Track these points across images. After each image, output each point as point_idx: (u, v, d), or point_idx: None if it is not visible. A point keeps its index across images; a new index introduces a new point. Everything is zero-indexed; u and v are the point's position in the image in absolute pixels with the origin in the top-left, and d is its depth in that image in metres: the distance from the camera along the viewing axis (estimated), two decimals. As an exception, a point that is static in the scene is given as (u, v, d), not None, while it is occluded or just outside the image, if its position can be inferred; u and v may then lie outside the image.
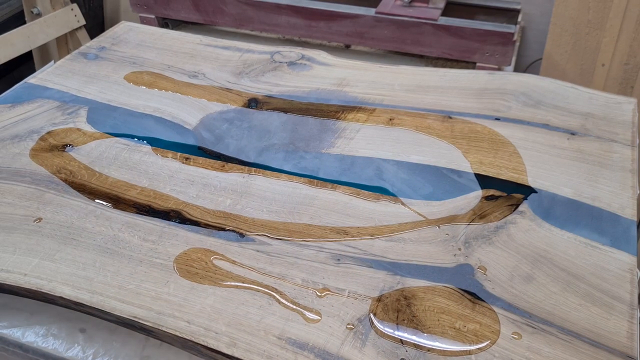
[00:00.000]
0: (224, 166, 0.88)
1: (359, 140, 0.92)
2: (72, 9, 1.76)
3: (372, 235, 0.74)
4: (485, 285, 0.67)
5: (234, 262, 0.71)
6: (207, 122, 0.98)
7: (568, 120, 0.93)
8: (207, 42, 1.22)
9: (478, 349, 0.60)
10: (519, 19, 1.46)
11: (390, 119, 0.96)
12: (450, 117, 0.95)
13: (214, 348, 0.61)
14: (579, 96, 0.99)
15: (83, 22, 1.80)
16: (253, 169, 0.87)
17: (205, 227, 0.76)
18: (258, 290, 0.67)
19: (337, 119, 0.97)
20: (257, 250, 0.73)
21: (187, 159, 0.89)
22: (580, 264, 0.69)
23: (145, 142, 0.93)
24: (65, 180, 0.85)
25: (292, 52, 1.17)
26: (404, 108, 0.98)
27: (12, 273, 0.70)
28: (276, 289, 0.67)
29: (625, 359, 0.59)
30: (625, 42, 1.39)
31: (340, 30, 1.45)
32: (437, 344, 0.61)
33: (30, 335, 0.73)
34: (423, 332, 0.62)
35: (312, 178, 0.85)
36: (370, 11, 1.41)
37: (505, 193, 0.80)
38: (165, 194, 0.82)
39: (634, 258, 0.70)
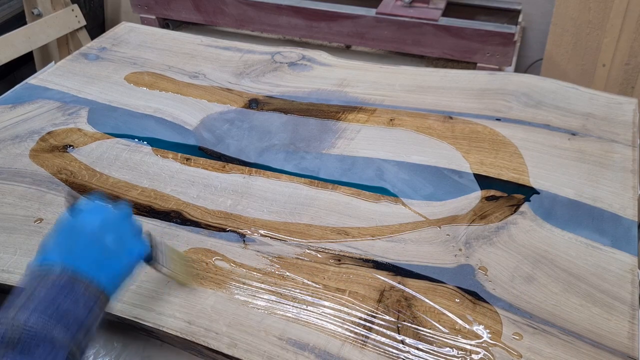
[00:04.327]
0: (224, 167, 0.88)
1: (360, 141, 0.92)
2: (72, 10, 1.76)
3: (372, 236, 0.74)
4: (486, 286, 0.67)
5: (234, 263, 0.71)
6: (207, 122, 0.98)
7: (569, 121, 0.93)
8: (207, 43, 1.22)
9: (479, 349, 0.60)
10: (520, 19, 1.45)
11: (391, 120, 0.96)
12: (451, 118, 0.95)
13: (215, 349, 0.61)
14: (580, 96, 0.99)
15: (84, 22, 1.80)
16: (254, 169, 0.87)
17: (205, 228, 0.76)
18: (259, 291, 0.67)
19: (337, 119, 0.97)
20: (258, 251, 0.73)
21: (187, 159, 0.89)
22: (581, 265, 0.69)
23: (145, 142, 0.93)
24: (65, 181, 0.85)
25: (293, 53, 1.17)
26: (405, 108, 0.98)
27: (13, 274, 0.70)
28: (277, 290, 0.67)
29: (626, 359, 0.59)
30: (626, 42, 1.39)
31: (340, 30, 1.45)
32: (438, 344, 0.61)
33: (31, 336, 0.73)
34: (424, 332, 0.62)
35: (312, 178, 0.85)
36: (371, 12, 1.41)
37: (506, 193, 0.80)
38: (166, 194, 0.82)
39: (635, 258, 0.69)
